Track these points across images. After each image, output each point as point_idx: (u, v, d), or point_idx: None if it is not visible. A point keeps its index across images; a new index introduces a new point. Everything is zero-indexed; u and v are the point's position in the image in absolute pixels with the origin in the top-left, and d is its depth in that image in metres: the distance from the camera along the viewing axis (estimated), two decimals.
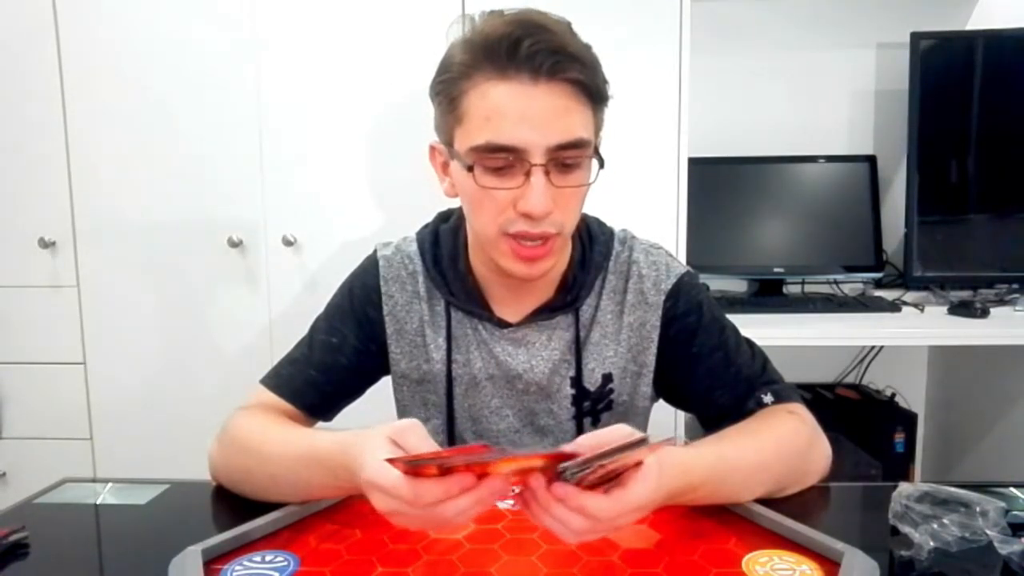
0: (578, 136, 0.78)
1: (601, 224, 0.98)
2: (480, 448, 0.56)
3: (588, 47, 0.80)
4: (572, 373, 0.93)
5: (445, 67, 0.81)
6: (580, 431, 0.94)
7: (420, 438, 0.62)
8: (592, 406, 0.94)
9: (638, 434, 0.59)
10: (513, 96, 0.76)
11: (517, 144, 0.76)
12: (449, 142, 0.83)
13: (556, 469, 0.58)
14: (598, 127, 0.83)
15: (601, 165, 0.82)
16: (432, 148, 0.88)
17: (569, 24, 0.80)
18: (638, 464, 0.61)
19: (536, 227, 0.80)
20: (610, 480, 0.61)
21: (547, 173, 0.77)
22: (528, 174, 0.77)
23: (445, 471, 0.58)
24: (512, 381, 0.94)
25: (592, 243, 0.94)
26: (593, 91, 0.79)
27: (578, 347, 0.92)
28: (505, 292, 0.93)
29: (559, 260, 0.89)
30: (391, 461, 0.58)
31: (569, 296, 0.92)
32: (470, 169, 0.79)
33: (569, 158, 0.78)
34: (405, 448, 0.62)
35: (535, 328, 0.93)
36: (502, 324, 0.93)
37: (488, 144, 0.77)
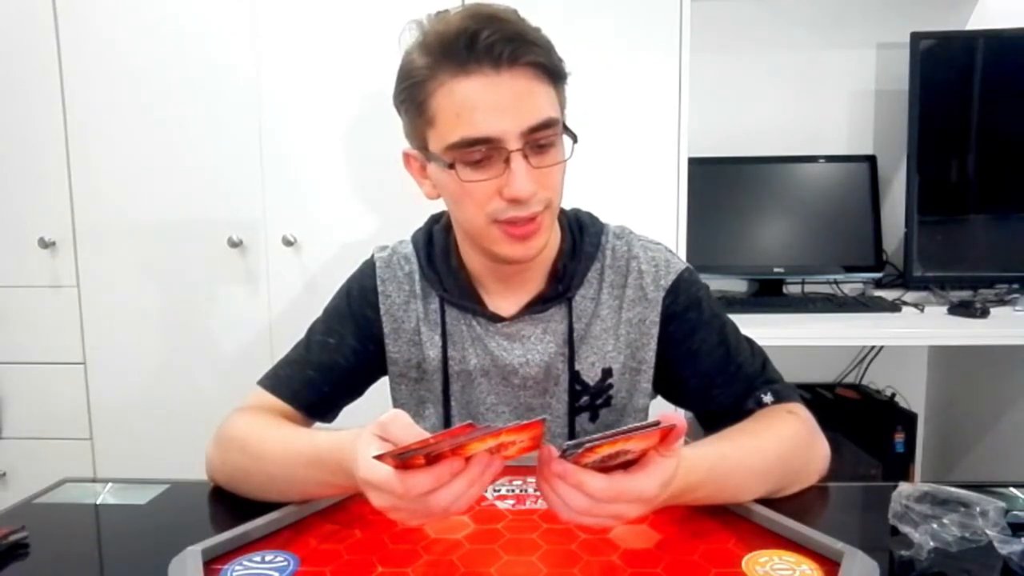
0: (547, 116, 0.79)
1: (593, 217, 0.98)
2: (465, 428, 0.55)
3: (539, 29, 0.81)
4: (568, 366, 0.93)
5: (406, 74, 0.82)
6: (576, 426, 0.94)
7: (404, 428, 0.62)
8: (591, 401, 0.94)
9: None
10: (479, 88, 0.77)
11: (492, 134, 0.77)
12: (423, 146, 0.84)
13: (561, 447, 0.59)
14: (562, 104, 0.84)
15: (574, 140, 0.83)
16: (406, 155, 0.89)
17: (516, 11, 0.81)
18: (644, 454, 0.61)
19: (525, 210, 0.81)
20: (621, 468, 0.62)
21: (525, 157, 0.79)
22: (507, 161, 0.78)
23: (432, 459, 0.58)
24: (508, 376, 0.94)
25: (583, 233, 0.95)
26: (552, 70, 0.81)
27: (571, 339, 0.92)
28: (498, 285, 0.93)
29: (550, 239, 0.89)
30: (379, 457, 0.58)
31: (561, 286, 0.92)
32: (451, 167, 0.80)
33: (543, 138, 0.80)
34: (391, 440, 0.61)
35: (529, 321, 0.93)
36: (496, 319, 0.93)
37: (464, 139, 0.78)
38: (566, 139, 0.83)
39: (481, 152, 0.78)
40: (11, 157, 1.79)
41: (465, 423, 0.56)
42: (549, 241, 0.89)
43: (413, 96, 0.81)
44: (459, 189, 0.81)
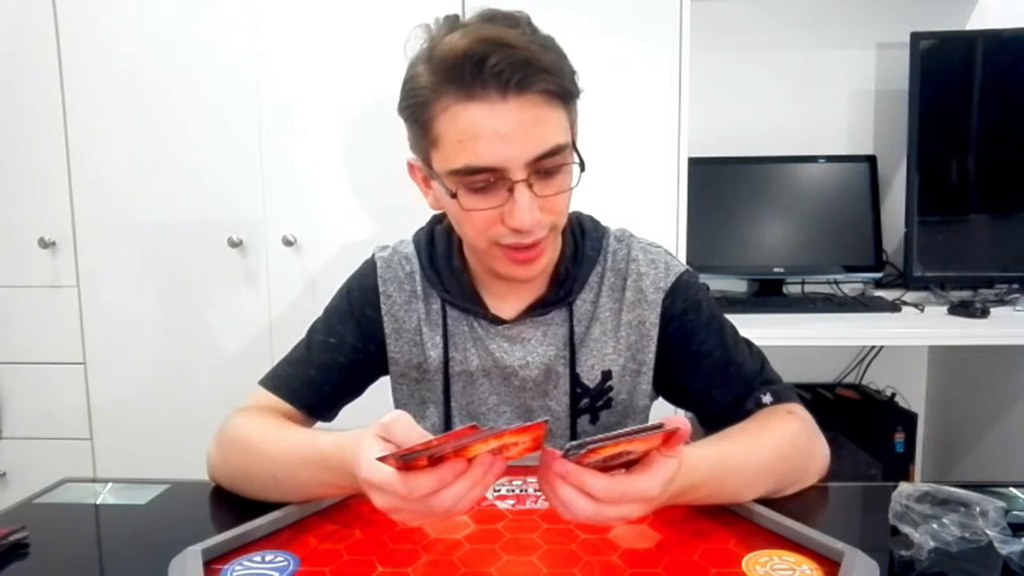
0: (555, 143, 0.77)
1: (595, 221, 0.98)
2: (469, 430, 0.56)
3: (550, 43, 0.78)
4: (568, 369, 0.93)
5: (411, 90, 0.79)
6: (577, 428, 0.95)
7: (407, 430, 0.62)
8: (591, 403, 0.94)
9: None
10: (484, 116, 0.74)
11: (496, 164, 0.76)
12: (427, 162, 0.82)
13: (564, 448, 0.59)
14: (572, 122, 0.82)
15: (582, 168, 0.81)
16: (410, 165, 0.87)
17: (528, 20, 0.79)
18: (647, 455, 0.61)
19: (528, 237, 0.80)
20: (622, 468, 0.62)
21: (530, 185, 0.77)
22: (511, 189, 0.77)
23: (435, 460, 0.58)
24: (508, 378, 0.94)
25: (584, 237, 0.94)
26: (563, 94, 0.78)
27: (572, 342, 0.92)
28: (499, 288, 0.93)
29: (552, 254, 0.89)
30: (382, 458, 0.58)
31: (562, 291, 0.92)
32: (453, 196, 0.79)
33: (549, 165, 0.78)
34: (394, 441, 0.62)
35: (530, 324, 0.93)
36: (497, 321, 0.93)
37: (467, 168, 0.76)
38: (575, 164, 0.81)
39: (484, 180, 0.77)
40: (11, 157, 1.79)
41: (468, 425, 0.56)
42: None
43: (417, 115, 0.79)
44: (461, 213, 0.80)
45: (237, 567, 0.66)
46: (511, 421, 0.95)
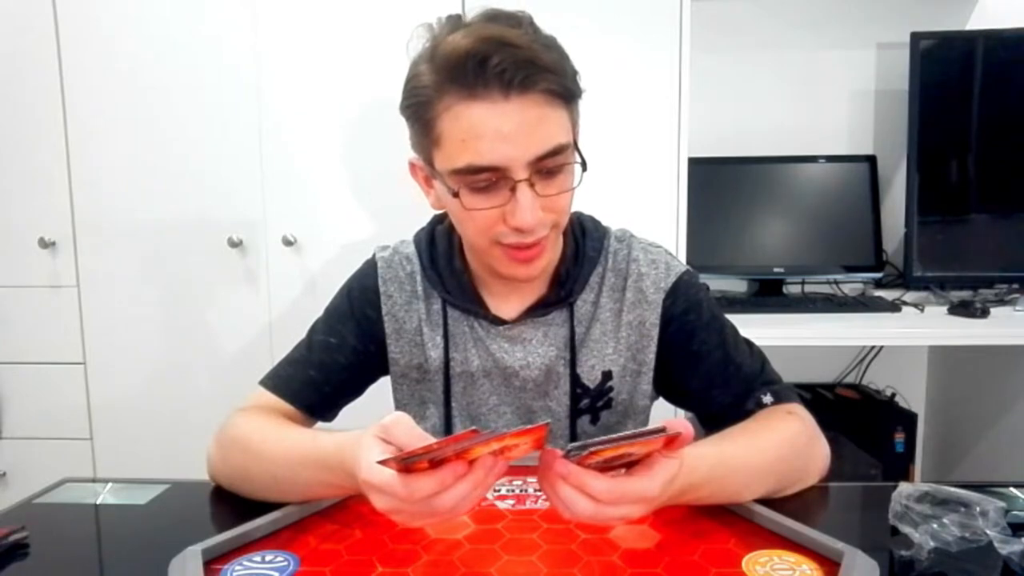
0: (557, 143, 0.77)
1: (596, 222, 0.98)
2: (469, 434, 0.56)
3: (552, 43, 0.79)
4: (569, 370, 0.93)
5: (413, 89, 0.79)
6: (577, 428, 0.95)
7: (407, 431, 0.62)
8: (591, 403, 0.94)
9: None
10: (486, 115, 0.75)
11: (498, 163, 0.76)
12: (429, 161, 0.82)
13: (565, 449, 0.59)
14: (574, 122, 0.82)
15: (584, 168, 0.82)
16: (412, 165, 0.87)
17: (530, 20, 0.79)
18: (648, 456, 0.61)
19: (530, 237, 0.80)
20: (623, 468, 0.62)
21: (532, 185, 0.77)
22: (513, 189, 0.77)
23: (436, 464, 0.58)
24: (509, 378, 0.94)
25: (585, 238, 0.95)
26: (565, 94, 0.78)
27: (573, 343, 0.92)
28: (500, 288, 0.93)
29: (553, 253, 0.89)
30: (383, 461, 0.58)
31: (563, 291, 0.92)
32: (455, 195, 0.79)
33: (551, 165, 0.78)
34: (394, 443, 0.62)
35: (530, 325, 0.93)
36: (497, 321, 0.93)
37: (469, 167, 0.76)
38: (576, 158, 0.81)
39: (486, 179, 0.77)
40: (11, 157, 1.79)
41: (469, 429, 0.56)
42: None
43: (419, 114, 0.79)
44: (463, 212, 0.80)
45: (237, 567, 0.66)
46: (511, 421, 0.96)
